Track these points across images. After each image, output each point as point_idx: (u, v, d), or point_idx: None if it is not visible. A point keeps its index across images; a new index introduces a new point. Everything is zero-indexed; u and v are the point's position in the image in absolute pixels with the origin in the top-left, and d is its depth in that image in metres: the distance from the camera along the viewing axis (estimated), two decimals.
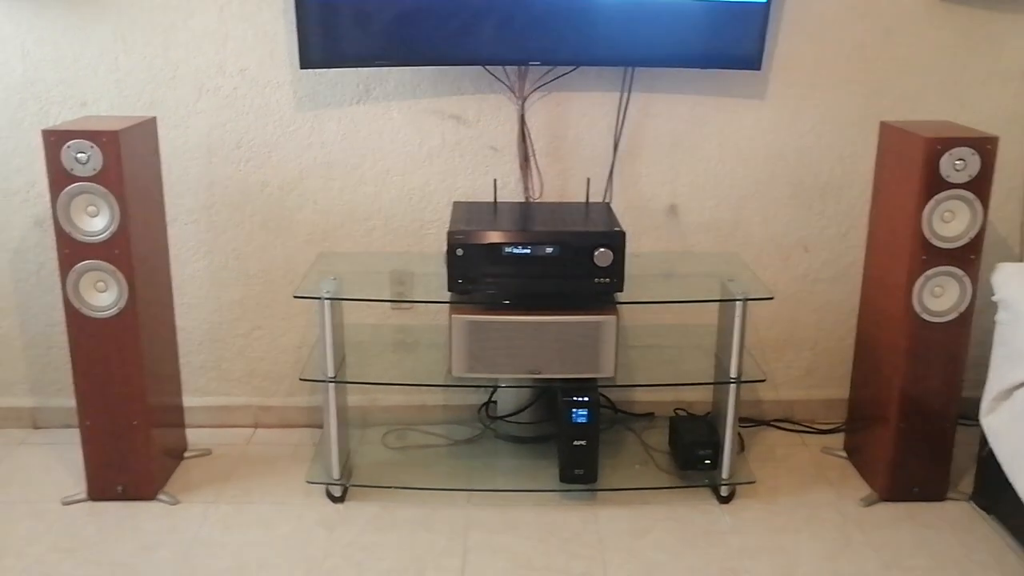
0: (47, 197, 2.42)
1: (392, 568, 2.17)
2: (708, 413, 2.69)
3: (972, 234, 2.25)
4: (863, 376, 2.59)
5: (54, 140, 2.16)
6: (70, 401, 2.61)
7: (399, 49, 2.46)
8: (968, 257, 2.27)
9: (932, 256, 2.26)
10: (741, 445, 2.70)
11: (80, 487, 2.43)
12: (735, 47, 2.49)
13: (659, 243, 2.73)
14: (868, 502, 2.45)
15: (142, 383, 2.35)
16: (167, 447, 2.55)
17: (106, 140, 2.16)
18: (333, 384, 2.37)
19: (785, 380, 2.88)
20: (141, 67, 2.55)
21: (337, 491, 2.44)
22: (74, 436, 2.46)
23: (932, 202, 2.22)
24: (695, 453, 2.49)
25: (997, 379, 2.21)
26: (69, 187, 2.18)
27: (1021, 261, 2.71)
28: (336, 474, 2.43)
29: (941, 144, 2.19)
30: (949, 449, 2.42)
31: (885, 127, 2.41)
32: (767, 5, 2.42)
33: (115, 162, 2.18)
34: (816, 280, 2.79)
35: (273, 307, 2.75)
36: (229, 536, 2.29)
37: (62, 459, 2.61)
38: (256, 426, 2.84)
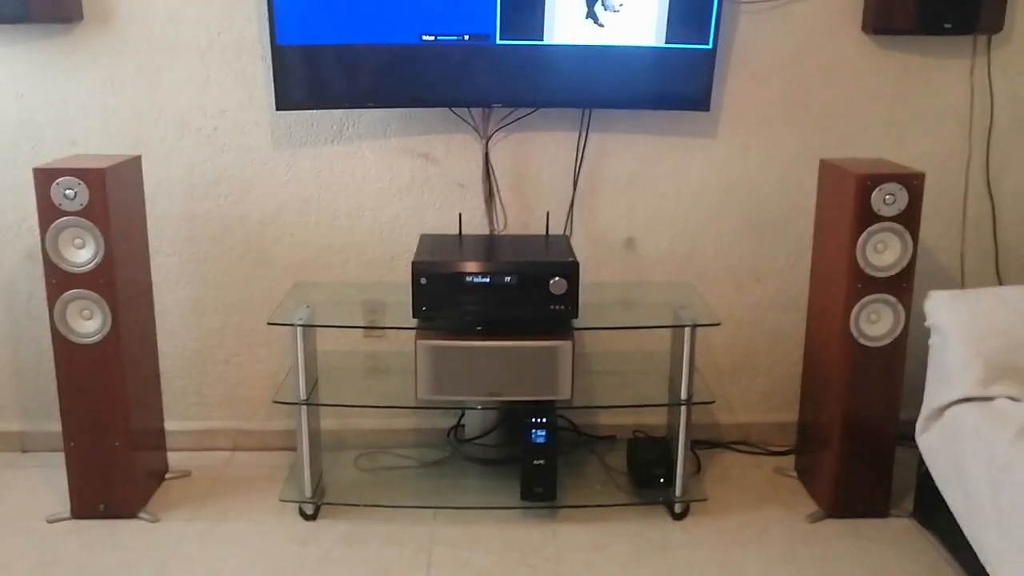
0: (38, 231, 2.57)
1: None
2: (664, 435, 2.82)
3: (904, 264, 2.40)
4: (810, 399, 2.73)
5: (44, 177, 2.31)
6: (57, 425, 2.73)
7: (370, 92, 2.62)
8: (901, 285, 2.42)
9: (867, 284, 2.41)
10: (698, 466, 2.83)
11: (65, 506, 2.55)
12: (685, 90, 2.65)
13: (618, 274, 2.88)
14: (814, 519, 2.58)
15: (125, 406, 2.48)
16: (148, 468, 2.68)
17: (92, 177, 2.32)
18: (305, 406, 2.51)
19: (741, 404, 3.02)
20: (128, 108, 2.71)
21: (309, 509, 2.56)
22: (61, 459, 2.58)
23: (865, 234, 2.37)
24: (650, 472, 2.63)
25: (930, 399, 2.35)
26: (57, 221, 2.33)
27: (962, 289, 2.86)
28: (308, 492, 2.56)
29: (871, 180, 2.35)
30: (889, 468, 2.56)
31: (824, 164, 2.57)
32: (713, 51, 2.59)
33: (101, 198, 2.33)
34: (768, 308, 2.94)
35: (252, 335, 2.89)
36: (206, 552, 2.41)
37: (48, 481, 2.73)
38: (234, 449, 2.96)
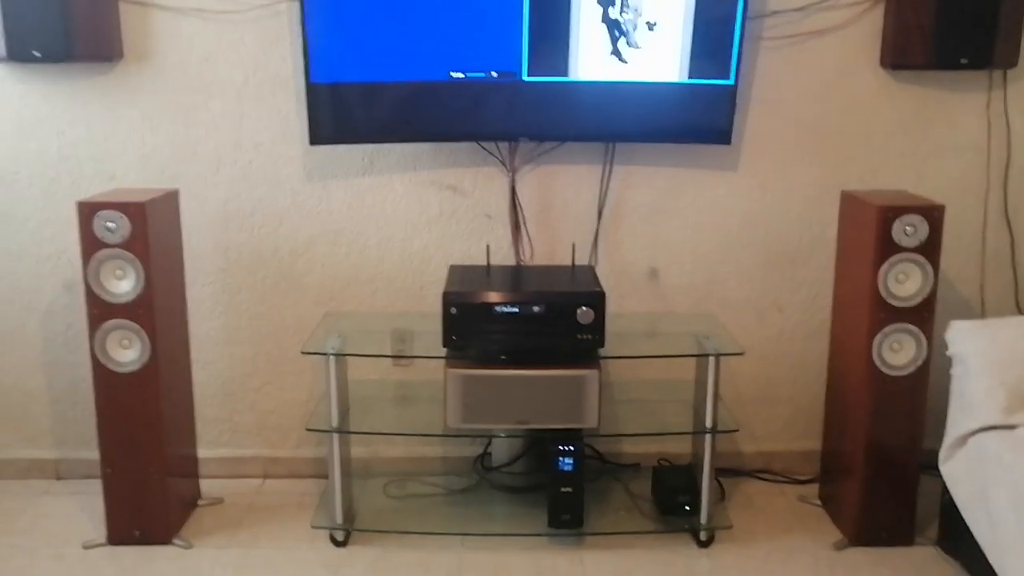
0: (77, 263, 2.64)
1: None
2: (689, 463, 2.85)
3: (925, 294, 2.44)
4: (833, 428, 2.76)
5: (87, 211, 2.39)
6: (92, 453, 2.79)
7: (400, 127, 2.69)
8: (923, 315, 2.46)
9: (889, 314, 2.45)
10: (722, 494, 2.86)
11: (100, 533, 2.60)
12: (707, 124, 2.71)
13: (641, 304, 2.93)
14: (839, 547, 2.60)
15: (160, 434, 2.54)
16: (182, 495, 2.73)
17: (133, 211, 2.39)
18: (337, 434, 2.56)
19: (764, 433, 3.05)
20: (165, 144, 2.80)
21: (340, 536, 2.60)
22: (95, 486, 2.65)
23: (886, 265, 2.42)
24: (675, 500, 2.66)
25: (953, 428, 2.38)
26: (99, 253, 2.41)
27: (982, 319, 2.89)
28: (339, 519, 2.60)
29: (892, 212, 2.40)
30: (913, 496, 2.58)
31: (845, 196, 2.63)
32: (735, 86, 2.65)
33: (141, 230, 2.40)
34: (790, 339, 2.98)
35: (283, 364, 2.95)
36: None
37: (83, 508, 2.79)
38: (265, 476, 3.02)
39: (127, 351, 2.48)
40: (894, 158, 2.85)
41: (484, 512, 2.76)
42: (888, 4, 2.71)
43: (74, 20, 2.58)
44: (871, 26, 2.75)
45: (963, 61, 2.68)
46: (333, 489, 2.59)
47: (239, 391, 2.98)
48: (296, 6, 2.59)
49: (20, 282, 2.88)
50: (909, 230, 2.40)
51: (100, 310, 2.44)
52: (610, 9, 2.55)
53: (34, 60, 2.59)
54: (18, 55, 2.58)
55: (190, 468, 2.82)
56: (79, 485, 2.93)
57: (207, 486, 2.89)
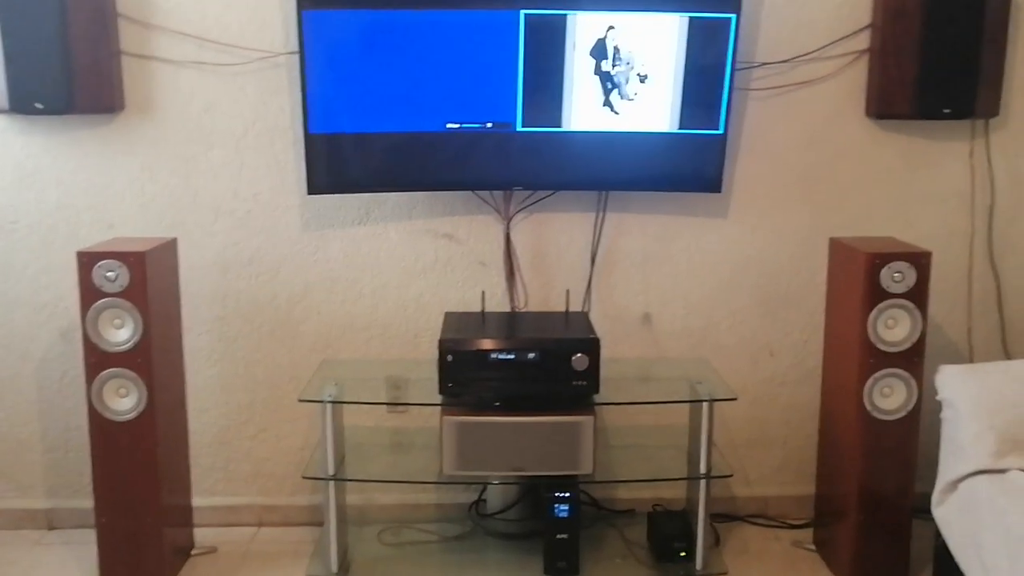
0: (73, 311, 2.67)
1: None
2: (684, 508, 2.86)
3: (914, 339, 2.48)
4: (826, 472, 2.78)
5: (87, 260, 2.42)
6: (84, 502, 2.80)
7: (396, 177, 2.74)
8: (912, 360, 2.50)
9: (879, 359, 2.49)
10: (716, 539, 2.87)
11: None
12: (698, 172, 2.77)
13: (635, 349, 2.96)
14: None
15: (156, 483, 2.54)
16: (176, 545, 2.72)
17: (133, 260, 2.42)
18: (333, 482, 2.56)
19: (758, 477, 3.07)
20: (164, 193, 2.83)
21: None
22: (87, 536, 2.64)
23: (875, 311, 2.46)
24: (671, 546, 2.66)
25: (945, 472, 2.40)
26: (98, 302, 2.43)
27: (970, 363, 2.93)
28: (334, 568, 2.60)
29: (880, 259, 2.45)
30: (907, 539, 2.60)
31: (834, 243, 2.68)
32: (724, 136, 2.71)
33: (140, 279, 2.43)
34: (782, 383, 3.01)
35: (279, 411, 2.96)
36: None
37: (77, 557, 2.77)
38: (260, 524, 3.01)
39: (124, 400, 2.49)
40: (881, 205, 2.91)
41: (479, 559, 2.75)
42: (872, 56, 2.79)
43: (76, 73, 2.63)
44: (856, 77, 2.83)
45: (946, 111, 2.75)
46: (329, 537, 2.59)
47: (235, 439, 2.98)
48: (295, 59, 2.64)
49: (16, 330, 2.89)
50: (897, 276, 2.45)
51: (98, 359, 2.46)
52: (603, 62, 2.62)
53: (36, 112, 2.63)
54: (20, 107, 2.63)
55: (185, 517, 2.81)
56: (72, 535, 2.91)
57: (201, 535, 2.88)
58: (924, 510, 2.53)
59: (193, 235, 2.85)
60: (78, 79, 2.63)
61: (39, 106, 2.62)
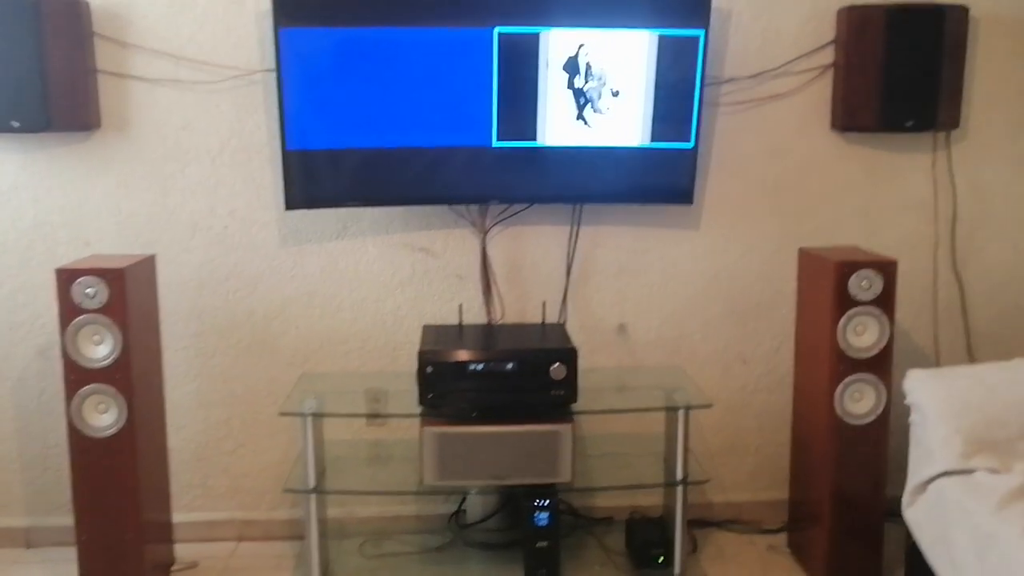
0: (51, 328, 2.67)
1: None
2: (661, 515, 2.90)
3: (882, 345, 2.55)
4: (799, 477, 2.84)
5: (66, 277, 2.42)
6: (63, 520, 2.79)
7: (373, 192, 2.77)
8: (881, 365, 2.56)
9: (848, 365, 2.55)
10: (694, 545, 2.91)
11: None
12: (669, 185, 2.83)
13: (611, 359, 3.01)
14: None
15: (137, 499, 2.54)
16: (156, 561, 2.71)
17: (112, 277, 2.43)
18: (314, 495, 2.58)
19: (732, 484, 3.12)
20: (141, 211, 2.84)
21: None
22: (66, 554, 2.63)
23: (844, 318, 2.53)
24: (649, 552, 2.70)
25: (914, 474, 2.46)
26: (77, 319, 2.43)
27: (937, 367, 3.00)
28: None
29: (848, 267, 2.51)
30: (879, 542, 2.65)
31: (803, 253, 2.74)
32: (695, 149, 2.77)
33: (120, 296, 2.43)
34: (755, 390, 3.07)
35: (256, 426, 2.97)
36: None
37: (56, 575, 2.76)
38: (240, 539, 3.01)
39: (104, 416, 2.49)
40: (847, 215, 2.99)
41: (460, 570, 2.78)
42: (837, 71, 2.87)
43: (53, 91, 2.63)
44: (821, 92, 2.90)
45: (908, 124, 2.83)
46: (310, 549, 2.60)
47: (213, 455, 2.98)
48: (271, 76, 2.68)
49: None
50: (865, 284, 2.51)
51: (77, 375, 2.46)
52: (576, 78, 2.67)
53: (12, 130, 2.64)
54: None
55: (165, 533, 2.81)
56: (50, 552, 2.90)
57: (181, 550, 2.88)
58: (895, 513, 2.58)
59: (170, 252, 2.86)
60: (54, 97, 2.64)
61: (15, 124, 2.62)
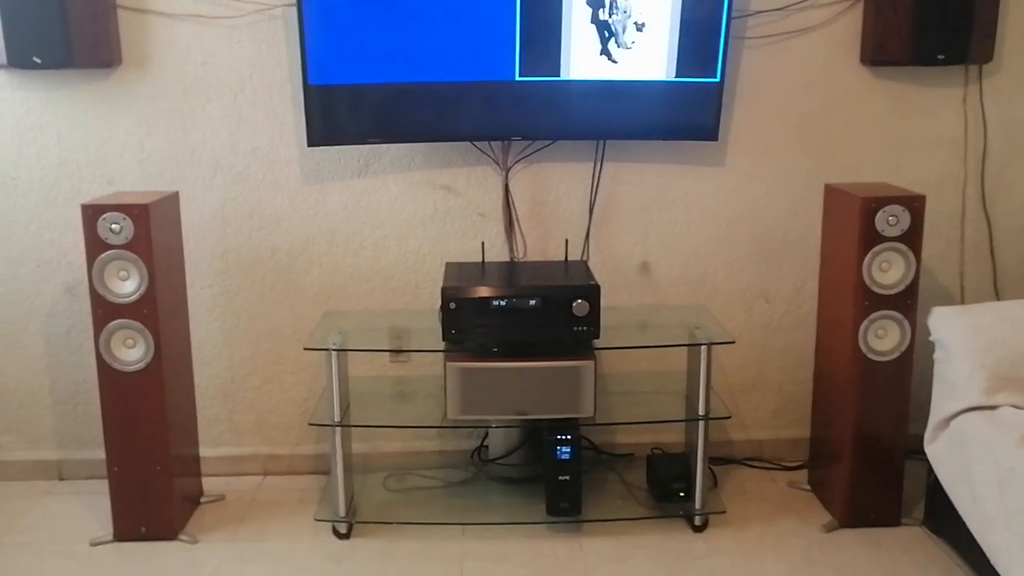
0: (78, 265, 2.70)
1: None
2: (682, 451, 2.92)
3: (908, 282, 2.53)
4: (821, 414, 2.84)
5: (91, 213, 2.44)
6: (94, 453, 2.85)
7: (395, 128, 2.75)
8: (906, 302, 2.54)
9: (873, 302, 2.53)
10: (714, 481, 2.93)
11: (106, 530, 2.64)
12: (695, 121, 2.79)
13: (633, 297, 3.00)
14: (829, 528, 2.68)
15: (165, 431, 2.58)
16: (185, 493, 2.77)
17: (137, 212, 2.44)
18: (339, 428, 2.62)
19: (754, 421, 3.13)
20: (163, 148, 2.84)
21: (343, 528, 2.65)
22: (97, 486, 2.70)
23: (870, 254, 2.50)
24: (670, 486, 2.73)
25: (937, 410, 2.46)
26: (103, 254, 2.45)
27: (963, 304, 2.98)
28: (342, 512, 2.66)
29: (875, 203, 2.48)
30: (900, 478, 2.66)
31: (829, 189, 2.71)
32: (721, 84, 2.73)
33: (145, 232, 2.45)
34: (778, 328, 3.06)
35: (282, 362, 3.00)
36: (246, 570, 2.50)
37: (87, 506, 2.82)
38: (265, 473, 3.06)
39: (132, 351, 2.52)
40: (875, 151, 2.94)
41: (483, 503, 2.82)
42: (867, 3, 2.81)
43: (73, 27, 2.63)
44: (851, 24, 2.84)
45: (940, 57, 2.77)
46: (336, 482, 2.65)
47: (239, 391, 3.02)
48: (292, 11, 2.65)
49: (21, 286, 2.92)
50: (892, 220, 2.48)
51: (105, 310, 2.49)
52: (600, 11, 2.63)
53: (34, 67, 2.64)
54: (18, 62, 2.64)
55: (192, 467, 2.86)
56: (82, 485, 2.96)
57: (209, 484, 2.94)
58: (915, 451, 2.59)
59: (193, 190, 2.87)
60: (75, 33, 2.64)
61: (37, 60, 2.63)
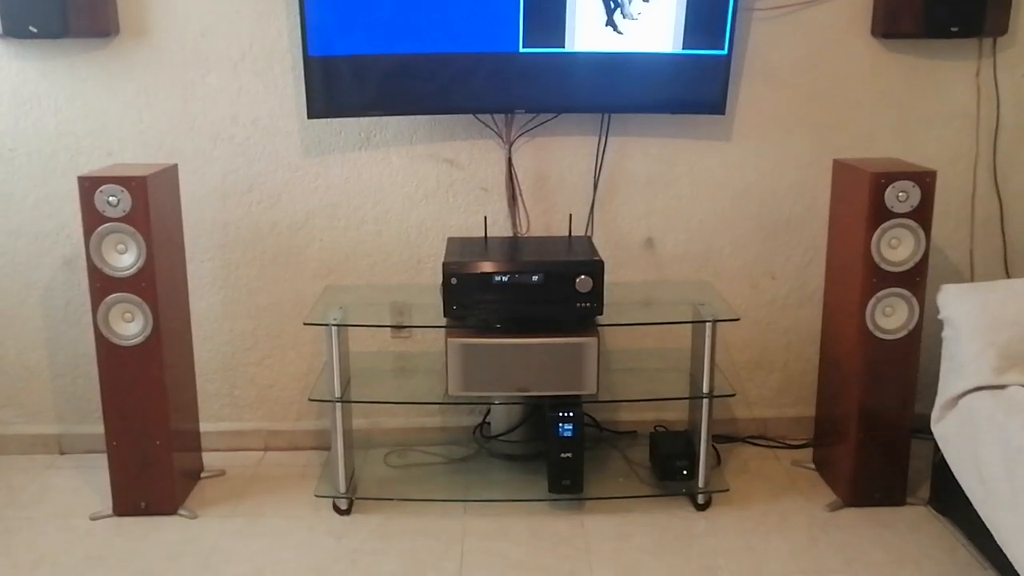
0: (76, 238, 2.68)
1: (395, 571, 2.37)
2: (685, 429, 2.90)
3: (917, 259, 2.49)
4: (827, 393, 2.81)
5: (88, 185, 2.41)
6: (94, 428, 2.84)
7: (397, 100, 2.71)
8: (914, 280, 2.50)
9: (881, 279, 2.50)
10: (717, 459, 2.91)
11: (106, 505, 2.63)
12: (701, 94, 2.74)
13: (637, 273, 2.97)
14: (833, 507, 2.66)
15: (164, 407, 2.56)
16: (185, 468, 2.76)
17: (135, 185, 2.41)
18: (340, 404, 2.59)
19: (758, 399, 3.10)
20: (162, 120, 2.80)
21: (343, 504, 2.64)
22: (97, 460, 2.68)
23: (879, 231, 2.46)
24: (673, 464, 2.71)
25: (945, 389, 2.43)
26: (101, 227, 2.42)
27: (971, 282, 2.94)
28: (342, 488, 2.64)
29: (885, 178, 2.44)
30: (905, 457, 2.64)
31: (837, 164, 2.66)
32: (728, 57, 2.68)
33: (143, 204, 2.42)
34: (783, 306, 3.03)
35: (282, 337, 2.98)
36: (245, 545, 2.49)
37: (87, 481, 2.81)
38: (266, 449, 3.05)
39: (130, 324, 2.50)
40: (885, 126, 2.89)
41: (485, 480, 2.80)
42: None
43: None
44: None
45: (953, 29, 2.71)
46: (336, 458, 2.63)
47: (239, 366, 3.00)
48: None
49: (19, 259, 2.89)
50: (901, 196, 2.44)
51: (102, 283, 2.46)
52: None
53: (31, 36, 2.60)
54: (15, 31, 2.60)
55: (192, 442, 2.84)
56: (82, 459, 2.95)
57: (209, 459, 2.92)
58: (921, 430, 2.57)
59: (192, 162, 2.83)
60: (72, 2, 2.59)
61: (33, 30, 2.59)
